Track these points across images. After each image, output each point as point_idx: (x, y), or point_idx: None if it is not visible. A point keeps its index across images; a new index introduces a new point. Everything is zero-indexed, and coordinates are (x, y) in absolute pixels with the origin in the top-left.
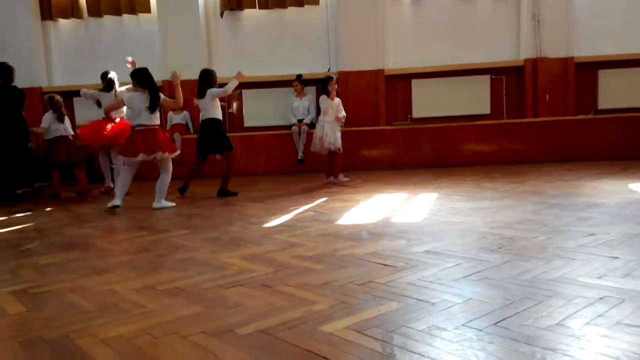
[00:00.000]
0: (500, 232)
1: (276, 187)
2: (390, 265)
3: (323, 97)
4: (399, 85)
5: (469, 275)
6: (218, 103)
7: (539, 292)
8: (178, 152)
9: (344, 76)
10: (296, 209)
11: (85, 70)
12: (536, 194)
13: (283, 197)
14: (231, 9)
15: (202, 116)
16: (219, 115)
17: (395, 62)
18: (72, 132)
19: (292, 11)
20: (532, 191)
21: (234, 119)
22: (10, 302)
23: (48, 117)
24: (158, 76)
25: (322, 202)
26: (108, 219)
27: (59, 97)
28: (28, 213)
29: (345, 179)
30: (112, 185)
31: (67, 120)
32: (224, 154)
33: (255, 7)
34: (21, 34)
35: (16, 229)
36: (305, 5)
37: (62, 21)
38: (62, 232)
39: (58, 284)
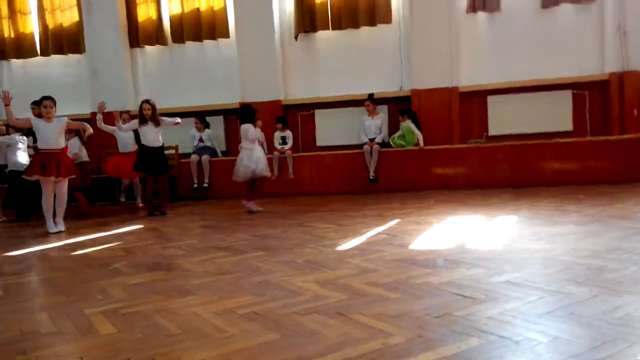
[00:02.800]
0: (587, 261)
1: (348, 207)
2: (468, 297)
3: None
4: (473, 102)
5: (554, 311)
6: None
7: (633, 332)
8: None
9: (416, 94)
10: (369, 231)
11: (169, 93)
12: (625, 218)
13: (355, 218)
14: (305, 32)
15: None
16: None
17: (470, 78)
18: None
19: (364, 31)
20: (621, 215)
21: (306, 139)
22: (102, 322)
23: (75, 143)
24: (236, 98)
25: (394, 224)
26: (190, 238)
27: None
28: (116, 231)
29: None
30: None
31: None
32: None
33: (328, 29)
34: (112, 60)
35: (106, 247)
36: (378, 25)
37: (149, 48)
38: (148, 252)
39: (145, 304)
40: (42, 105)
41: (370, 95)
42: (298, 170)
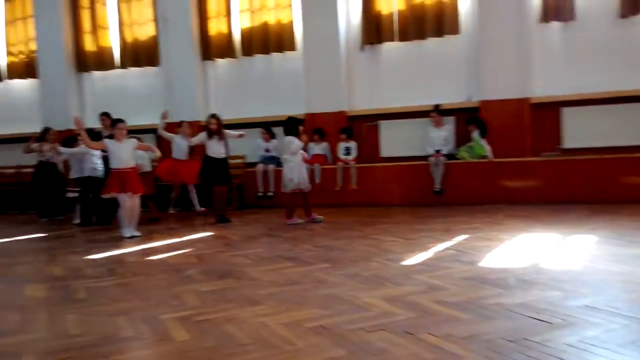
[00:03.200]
0: None
1: (413, 219)
2: (545, 321)
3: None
4: (546, 113)
5: (637, 340)
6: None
7: None
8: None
9: (485, 105)
10: (435, 246)
11: (237, 105)
12: None
13: (421, 231)
14: (371, 43)
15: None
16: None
17: (542, 89)
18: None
19: (431, 42)
20: None
21: (370, 150)
22: (177, 329)
23: (141, 154)
24: (301, 109)
25: (462, 239)
26: (257, 247)
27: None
28: (187, 238)
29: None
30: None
31: None
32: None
33: (394, 40)
34: (185, 73)
35: (179, 254)
36: (445, 36)
37: (219, 61)
38: (218, 259)
39: (216, 313)
40: (117, 127)
41: (437, 106)
42: (361, 181)
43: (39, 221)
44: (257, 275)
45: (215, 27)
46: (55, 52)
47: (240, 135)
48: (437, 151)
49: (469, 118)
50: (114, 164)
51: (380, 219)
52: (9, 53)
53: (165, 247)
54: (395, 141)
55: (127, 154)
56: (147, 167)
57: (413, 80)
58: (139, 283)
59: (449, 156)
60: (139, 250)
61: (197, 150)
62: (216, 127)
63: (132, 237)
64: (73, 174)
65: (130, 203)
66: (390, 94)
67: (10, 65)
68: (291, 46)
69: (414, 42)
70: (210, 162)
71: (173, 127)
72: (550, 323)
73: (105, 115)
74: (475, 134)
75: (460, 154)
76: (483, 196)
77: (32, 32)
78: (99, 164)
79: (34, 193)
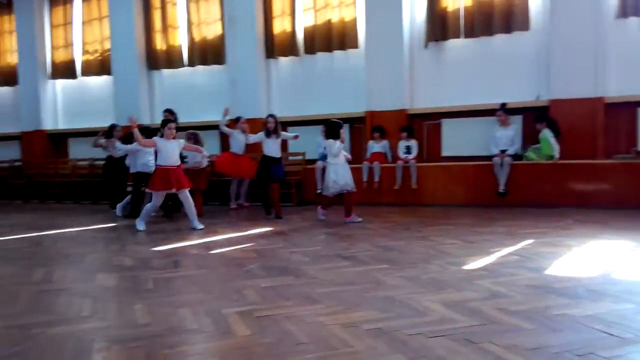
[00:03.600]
0: None
1: (475, 222)
2: (615, 336)
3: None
4: (621, 114)
5: None
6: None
7: None
8: None
9: (555, 105)
10: (498, 250)
11: (298, 102)
12: None
13: (483, 234)
14: (436, 40)
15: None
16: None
17: (617, 89)
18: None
19: (498, 38)
20: None
21: (431, 149)
22: (238, 323)
23: (197, 154)
24: (362, 107)
25: (527, 244)
26: (315, 244)
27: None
28: (247, 232)
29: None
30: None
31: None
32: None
33: (460, 37)
34: (249, 71)
35: (239, 248)
36: (514, 32)
37: (282, 59)
38: (277, 255)
39: (276, 309)
40: (167, 127)
41: (503, 105)
42: (422, 180)
43: (111, 211)
44: (315, 273)
45: (280, 25)
46: (128, 50)
47: (295, 137)
48: (503, 151)
49: (537, 116)
50: (161, 162)
51: (441, 220)
52: (85, 51)
53: (226, 241)
54: (458, 140)
55: (173, 152)
56: (204, 164)
57: (478, 78)
58: (202, 276)
59: (515, 156)
60: (202, 243)
61: (251, 148)
62: (273, 127)
63: (201, 228)
64: (131, 169)
65: (162, 198)
66: (453, 92)
67: (85, 63)
68: (354, 44)
69: (480, 39)
70: (266, 160)
71: (233, 123)
72: (622, 338)
73: (168, 111)
74: (544, 132)
75: (528, 155)
76: (550, 199)
77: (106, 32)
78: (151, 160)
79: (104, 185)
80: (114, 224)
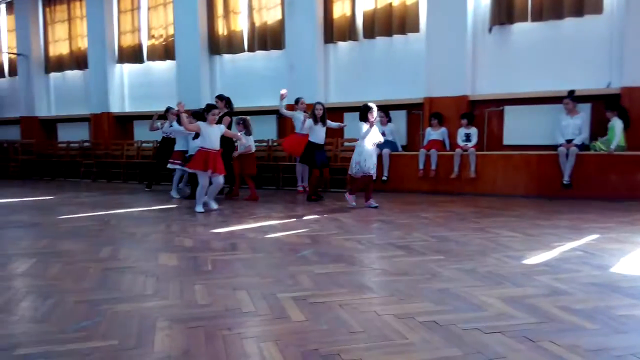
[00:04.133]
0: None
1: (537, 214)
2: None
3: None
4: None
5: None
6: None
7: None
8: None
9: (628, 93)
10: (561, 245)
11: (355, 87)
12: None
13: (545, 227)
14: (501, 24)
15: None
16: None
17: None
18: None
19: (568, 22)
20: None
21: (492, 137)
22: (293, 308)
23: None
24: (421, 93)
25: (592, 239)
26: (369, 232)
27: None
28: (302, 218)
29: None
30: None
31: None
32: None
33: (527, 20)
34: (307, 55)
35: (294, 234)
36: (585, 15)
37: (341, 44)
38: (331, 242)
39: (330, 296)
40: (211, 113)
41: (571, 93)
42: (481, 169)
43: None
44: (369, 262)
45: (340, 9)
46: (191, 35)
47: (341, 127)
48: (569, 141)
49: (609, 103)
50: (203, 144)
51: (500, 211)
52: (151, 36)
53: (282, 226)
54: (521, 128)
55: (215, 137)
56: (253, 149)
57: (545, 63)
58: (258, 260)
59: (581, 147)
60: (258, 227)
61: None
62: (321, 114)
63: (211, 210)
64: (179, 147)
65: (206, 179)
66: (518, 78)
67: (151, 48)
68: (414, 28)
69: (548, 23)
70: (312, 146)
71: (291, 107)
72: None
73: (218, 97)
74: (614, 121)
75: (597, 145)
76: (618, 192)
77: (171, 17)
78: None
79: (155, 165)
80: (175, 205)
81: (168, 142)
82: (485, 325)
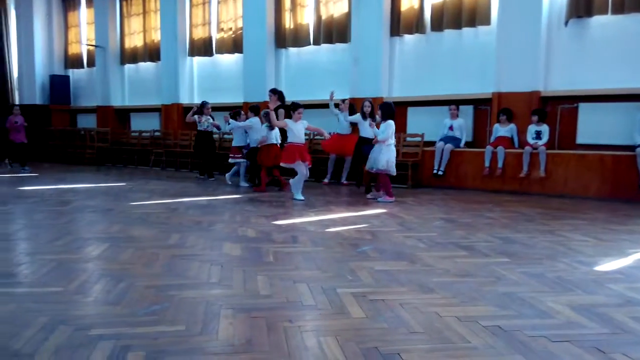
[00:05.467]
0: None
1: (611, 218)
2: None
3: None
4: None
5: None
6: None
7: None
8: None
9: None
10: (636, 252)
11: (420, 82)
12: None
13: (620, 232)
14: (578, 17)
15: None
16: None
17: None
18: (279, 141)
19: None
20: None
21: (564, 135)
22: (353, 304)
23: (263, 129)
24: (489, 88)
25: None
26: (430, 230)
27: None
28: (362, 213)
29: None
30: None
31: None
32: None
33: (607, 13)
34: (372, 49)
35: (354, 229)
36: None
37: (407, 37)
38: (391, 238)
39: (389, 294)
40: (297, 112)
41: None
42: (551, 168)
43: (197, 178)
44: (430, 261)
45: (408, 1)
46: (259, 28)
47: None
48: None
49: None
50: (292, 139)
51: (570, 214)
52: (220, 29)
53: (342, 220)
54: (596, 126)
55: (301, 132)
56: (273, 141)
57: (624, 59)
58: (318, 253)
59: None
60: (318, 221)
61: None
62: (370, 110)
63: (302, 199)
64: (236, 142)
65: (304, 169)
66: (594, 74)
67: (220, 41)
68: (485, 20)
69: (630, 16)
70: (361, 141)
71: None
72: None
73: (272, 91)
74: None
75: None
76: None
77: (240, 10)
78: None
79: (194, 156)
80: (239, 196)
81: (204, 134)
82: (552, 334)
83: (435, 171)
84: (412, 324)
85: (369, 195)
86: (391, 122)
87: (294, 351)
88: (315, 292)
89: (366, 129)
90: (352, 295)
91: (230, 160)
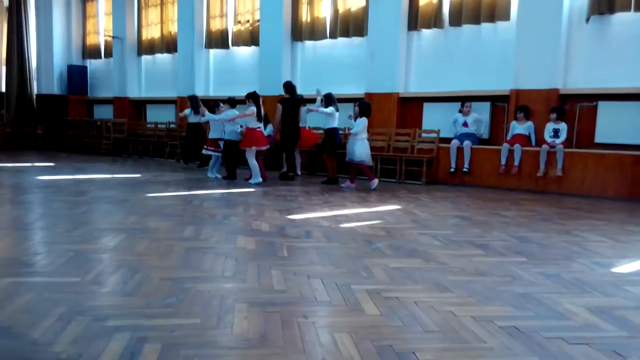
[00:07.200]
0: None
1: (629, 218)
2: None
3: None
4: None
5: None
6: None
7: None
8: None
9: None
10: None
11: (437, 77)
12: None
13: (637, 233)
14: (600, 14)
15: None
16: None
17: None
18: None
19: None
20: None
21: (583, 133)
22: (367, 301)
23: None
24: (508, 85)
25: None
26: (445, 228)
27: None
28: (376, 209)
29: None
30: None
31: None
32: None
33: (629, 10)
34: (389, 43)
35: (368, 225)
36: None
37: (425, 31)
38: (406, 236)
39: (404, 292)
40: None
41: None
42: (569, 167)
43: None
44: (445, 259)
45: None
46: (276, 21)
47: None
48: None
49: None
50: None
51: (588, 214)
52: (237, 21)
53: (356, 216)
54: (616, 126)
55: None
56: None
57: None
58: (332, 249)
59: None
60: (332, 216)
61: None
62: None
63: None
64: (213, 135)
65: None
66: (615, 72)
67: (236, 33)
68: (505, 15)
69: None
70: (332, 132)
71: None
72: None
73: (283, 85)
74: None
75: None
76: None
77: (257, 3)
78: (238, 129)
79: (185, 146)
80: (252, 189)
81: (195, 126)
82: (569, 335)
83: (453, 169)
84: (427, 323)
85: (343, 185)
86: (365, 119)
87: (309, 347)
88: (329, 288)
89: (336, 121)
90: (366, 292)
91: (203, 152)
